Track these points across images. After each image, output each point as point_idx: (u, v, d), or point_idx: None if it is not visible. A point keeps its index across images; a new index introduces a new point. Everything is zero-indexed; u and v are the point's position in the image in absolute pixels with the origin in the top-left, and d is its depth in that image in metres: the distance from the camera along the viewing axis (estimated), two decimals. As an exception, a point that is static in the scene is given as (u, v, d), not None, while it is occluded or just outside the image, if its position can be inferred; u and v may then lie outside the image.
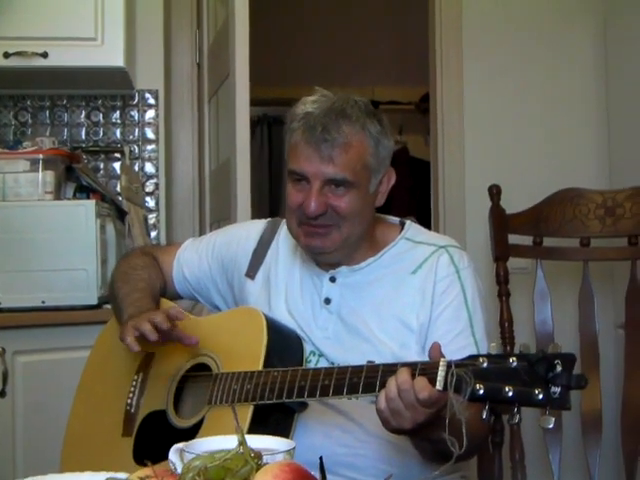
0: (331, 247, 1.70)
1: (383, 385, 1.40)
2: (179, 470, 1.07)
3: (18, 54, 2.84)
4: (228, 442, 1.05)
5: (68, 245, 2.62)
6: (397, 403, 1.36)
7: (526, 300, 2.48)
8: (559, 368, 1.24)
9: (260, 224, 1.96)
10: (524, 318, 2.52)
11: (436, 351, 1.38)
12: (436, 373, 1.34)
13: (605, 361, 2.43)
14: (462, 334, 1.68)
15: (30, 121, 3.33)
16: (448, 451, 1.30)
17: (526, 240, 2.46)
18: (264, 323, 1.67)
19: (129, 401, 1.80)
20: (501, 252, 2.45)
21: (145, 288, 1.88)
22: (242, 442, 0.93)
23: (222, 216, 3.17)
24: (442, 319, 1.69)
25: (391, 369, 1.41)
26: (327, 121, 1.63)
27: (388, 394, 1.37)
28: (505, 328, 2.38)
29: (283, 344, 1.69)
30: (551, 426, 1.26)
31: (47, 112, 3.34)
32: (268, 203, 6.02)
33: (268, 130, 6.08)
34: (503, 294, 2.41)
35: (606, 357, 2.54)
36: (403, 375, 1.37)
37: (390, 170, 1.76)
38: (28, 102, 3.33)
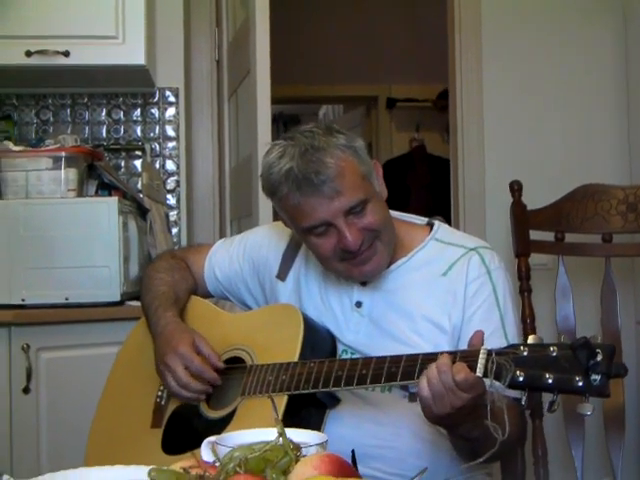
0: (383, 263, 1.70)
1: (421, 373, 1.40)
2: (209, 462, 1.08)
3: (40, 53, 2.85)
4: (261, 435, 1.06)
5: (91, 242, 2.63)
6: (438, 386, 1.37)
7: (548, 296, 2.47)
8: (600, 356, 1.26)
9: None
10: (546, 314, 2.52)
11: (478, 339, 1.39)
12: (476, 360, 1.35)
13: (627, 357, 2.43)
14: (494, 335, 1.66)
15: (52, 119, 3.34)
16: (483, 451, 1.32)
17: (547, 236, 2.46)
18: (301, 319, 1.68)
19: (159, 393, 1.81)
20: (523, 248, 2.44)
21: (166, 292, 1.89)
22: (282, 433, 0.94)
23: (242, 213, 3.18)
24: (474, 320, 1.68)
25: (431, 358, 1.42)
26: (312, 165, 1.58)
27: (430, 377, 1.38)
28: (527, 324, 2.38)
29: (318, 340, 1.70)
30: (589, 413, 1.28)
31: (68, 110, 3.35)
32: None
33: (285, 128, 6.11)
34: (525, 290, 2.41)
35: (628, 353, 2.54)
36: (443, 359, 1.38)
37: (375, 163, 1.73)
38: (49, 100, 3.34)
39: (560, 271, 2.40)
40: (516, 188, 2.49)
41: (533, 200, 2.47)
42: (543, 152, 3.52)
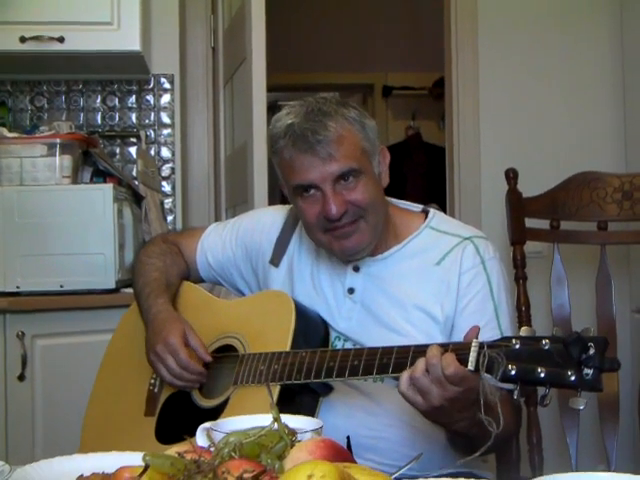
0: (364, 242, 1.67)
1: (413, 365, 1.39)
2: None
3: (34, 39, 2.84)
4: (255, 421, 1.06)
5: (86, 229, 2.63)
6: (423, 381, 1.36)
7: (543, 284, 2.47)
8: (592, 350, 1.25)
9: (283, 211, 1.93)
10: (541, 302, 2.52)
11: (473, 334, 1.38)
12: (468, 353, 1.34)
13: (621, 345, 2.43)
14: (488, 326, 1.64)
15: (46, 106, 3.34)
16: (481, 446, 1.32)
17: (543, 224, 2.45)
18: (292, 306, 1.67)
19: (152, 381, 1.81)
20: (518, 236, 2.44)
21: (158, 278, 1.88)
22: (277, 419, 0.94)
23: (238, 200, 3.18)
24: (468, 311, 1.68)
25: (422, 350, 1.40)
26: (312, 124, 1.60)
27: (413, 373, 1.37)
28: (522, 312, 2.37)
29: (310, 327, 1.70)
30: (582, 407, 1.28)
31: (63, 97, 3.35)
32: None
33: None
34: (520, 278, 2.40)
35: (622, 341, 2.54)
36: (433, 350, 1.37)
37: (383, 148, 1.75)
38: (44, 87, 3.34)
39: (555, 259, 2.39)
40: (512, 176, 2.48)
41: (529, 188, 2.47)
42: (539, 140, 3.51)
